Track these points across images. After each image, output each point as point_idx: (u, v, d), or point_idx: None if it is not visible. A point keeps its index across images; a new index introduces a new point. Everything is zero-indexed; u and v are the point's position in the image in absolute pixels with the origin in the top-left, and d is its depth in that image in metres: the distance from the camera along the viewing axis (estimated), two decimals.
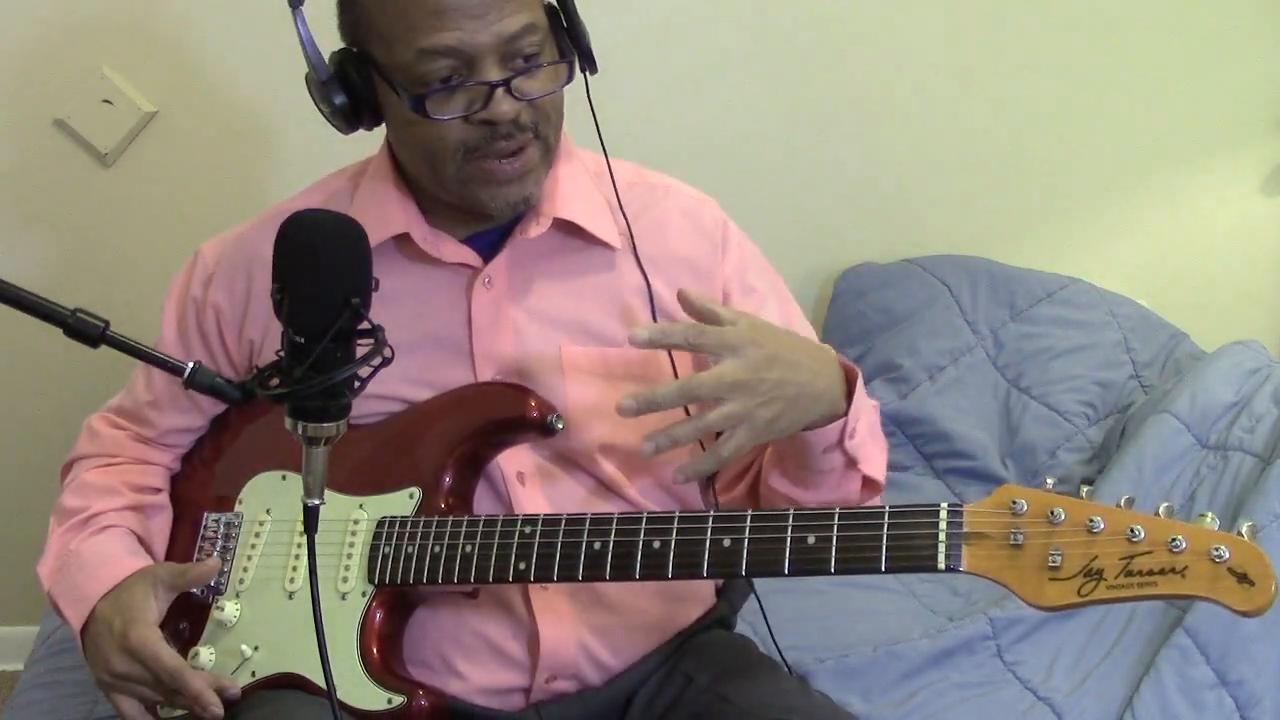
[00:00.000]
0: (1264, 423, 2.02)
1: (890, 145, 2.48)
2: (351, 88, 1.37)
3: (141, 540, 1.49)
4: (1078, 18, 2.44)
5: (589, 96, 1.42)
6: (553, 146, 1.40)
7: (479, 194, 1.37)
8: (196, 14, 2.22)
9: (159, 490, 1.54)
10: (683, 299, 1.32)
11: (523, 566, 1.30)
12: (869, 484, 1.42)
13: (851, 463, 1.37)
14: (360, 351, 1.05)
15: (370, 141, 1.55)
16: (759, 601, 1.53)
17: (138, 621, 1.37)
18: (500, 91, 1.31)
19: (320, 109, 1.40)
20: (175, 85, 2.25)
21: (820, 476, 1.38)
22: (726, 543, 1.24)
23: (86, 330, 1.05)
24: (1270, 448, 1.98)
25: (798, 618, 1.83)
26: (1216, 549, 1.07)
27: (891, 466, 2.25)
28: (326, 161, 1.61)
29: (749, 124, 2.43)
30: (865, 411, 1.38)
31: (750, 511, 1.26)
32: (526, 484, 1.42)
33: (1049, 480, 1.16)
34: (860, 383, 1.35)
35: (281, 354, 1.04)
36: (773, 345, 1.28)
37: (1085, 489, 1.16)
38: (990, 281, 2.44)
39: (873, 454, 1.41)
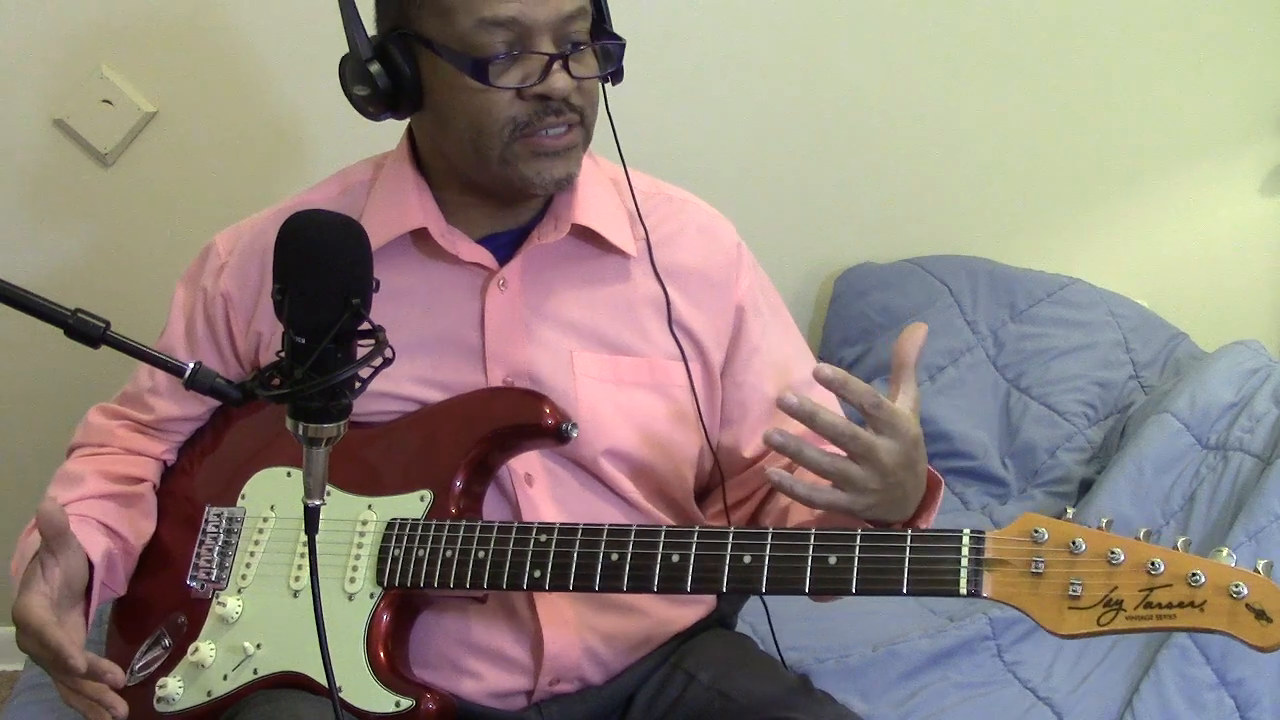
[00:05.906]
0: (1264, 423, 2.02)
1: (890, 146, 2.48)
2: (393, 69, 1.37)
3: (112, 529, 1.45)
4: (1077, 18, 2.44)
5: (607, 107, 1.43)
6: (590, 138, 1.41)
7: (523, 170, 1.36)
8: (197, 14, 2.22)
9: (140, 480, 1.51)
10: (903, 359, 1.28)
11: (538, 574, 1.29)
12: None
13: None
14: (361, 352, 1.05)
15: (376, 141, 1.55)
16: (763, 602, 1.53)
17: (25, 588, 1.31)
18: (557, 65, 1.33)
19: (354, 94, 1.39)
20: (175, 85, 2.25)
21: None
22: (747, 559, 1.23)
23: (87, 330, 1.04)
24: (1270, 448, 1.97)
25: (798, 618, 1.82)
26: (1236, 585, 1.07)
27: None
28: (328, 161, 1.61)
29: (749, 124, 2.43)
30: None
31: (771, 529, 1.25)
32: (534, 486, 1.42)
33: (1069, 509, 1.17)
34: (940, 497, 1.33)
35: (282, 354, 1.04)
36: (916, 454, 1.26)
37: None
38: (990, 281, 2.44)
39: None
